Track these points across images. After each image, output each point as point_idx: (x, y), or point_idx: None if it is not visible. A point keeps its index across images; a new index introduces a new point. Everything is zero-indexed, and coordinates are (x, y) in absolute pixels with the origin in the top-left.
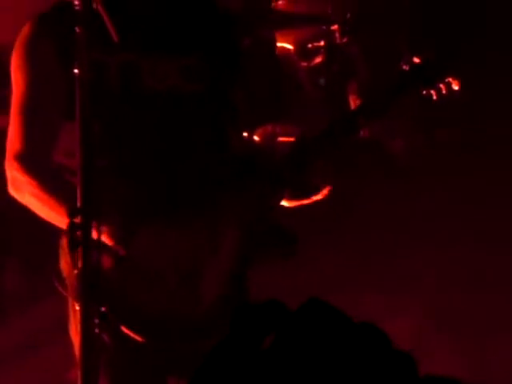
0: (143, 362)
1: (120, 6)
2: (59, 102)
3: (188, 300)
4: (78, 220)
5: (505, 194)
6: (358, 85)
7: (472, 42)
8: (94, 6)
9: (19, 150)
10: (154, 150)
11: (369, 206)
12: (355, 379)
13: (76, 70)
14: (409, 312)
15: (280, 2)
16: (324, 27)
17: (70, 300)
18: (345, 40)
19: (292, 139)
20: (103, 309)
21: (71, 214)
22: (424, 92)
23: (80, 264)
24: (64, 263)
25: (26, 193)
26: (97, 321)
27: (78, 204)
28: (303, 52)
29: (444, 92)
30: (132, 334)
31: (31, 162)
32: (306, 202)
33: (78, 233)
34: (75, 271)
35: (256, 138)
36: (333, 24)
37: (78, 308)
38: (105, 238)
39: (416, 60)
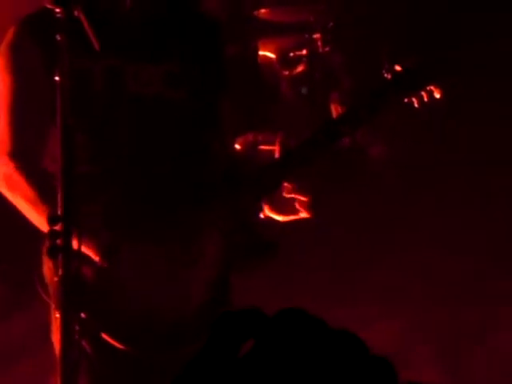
0: (124, 370)
1: (103, 12)
2: (45, 105)
3: (170, 308)
4: (58, 227)
5: (491, 202)
6: (340, 94)
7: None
8: (76, 13)
9: (11, 148)
10: (136, 155)
11: (351, 212)
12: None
13: (57, 78)
14: (390, 323)
15: (262, 11)
16: (306, 36)
17: (53, 306)
18: (327, 49)
19: (273, 148)
20: (83, 315)
21: (51, 221)
22: (406, 100)
23: (60, 271)
24: (47, 269)
25: (18, 192)
26: (77, 328)
27: (59, 211)
28: (285, 61)
29: (426, 100)
30: (113, 342)
31: (24, 160)
32: (292, 217)
33: (59, 240)
34: (55, 278)
35: (237, 146)
36: (315, 33)
37: (57, 315)
38: (86, 248)
39: (398, 68)
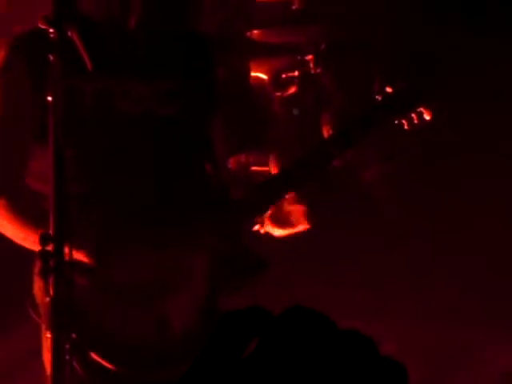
0: None
1: (94, 32)
2: (29, 124)
3: (158, 329)
4: (49, 247)
5: (485, 214)
6: (332, 115)
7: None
8: (69, 34)
9: None
10: (126, 173)
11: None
12: None
13: (49, 98)
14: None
15: (255, 32)
16: (298, 57)
17: (43, 326)
18: (319, 70)
19: (265, 169)
20: (73, 336)
21: (43, 241)
22: (396, 121)
23: (52, 292)
24: (37, 289)
25: (1, 216)
26: (67, 347)
27: (50, 231)
28: (277, 82)
29: (416, 122)
30: (102, 362)
31: (3, 183)
32: (292, 230)
33: (51, 261)
34: (47, 299)
35: (230, 166)
36: (307, 54)
37: (48, 335)
38: (80, 257)
39: (388, 90)
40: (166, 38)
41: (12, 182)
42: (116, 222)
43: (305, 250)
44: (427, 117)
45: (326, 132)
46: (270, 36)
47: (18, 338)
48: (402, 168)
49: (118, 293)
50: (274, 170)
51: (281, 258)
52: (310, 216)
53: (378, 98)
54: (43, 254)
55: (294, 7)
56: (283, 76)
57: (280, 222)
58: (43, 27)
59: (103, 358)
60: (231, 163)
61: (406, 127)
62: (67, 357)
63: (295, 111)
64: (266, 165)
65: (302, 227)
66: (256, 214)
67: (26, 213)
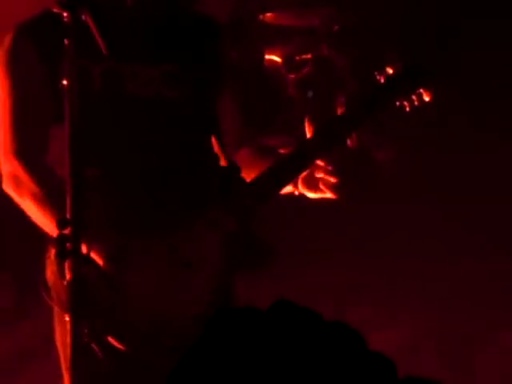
0: (127, 370)
1: (103, 15)
2: (45, 105)
3: (172, 312)
4: (67, 231)
5: (491, 203)
6: (346, 97)
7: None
8: (83, 17)
9: (14, 147)
10: (134, 154)
11: (359, 215)
12: (331, 378)
13: (64, 82)
14: (396, 324)
15: (268, 15)
16: (312, 40)
17: (56, 309)
18: (332, 52)
19: (280, 150)
20: (90, 318)
21: (61, 224)
22: (398, 103)
23: (68, 276)
24: (50, 273)
25: (25, 191)
26: (86, 331)
27: (67, 215)
28: (291, 65)
29: (416, 103)
30: (117, 344)
31: (28, 157)
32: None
33: (67, 244)
34: (64, 282)
35: (243, 152)
36: (320, 37)
37: (67, 319)
38: (95, 255)
39: (390, 71)
40: (174, 20)
41: (36, 156)
42: (129, 202)
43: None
44: (427, 98)
45: (341, 113)
46: (283, 18)
47: (34, 324)
48: (413, 152)
49: (131, 278)
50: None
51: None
52: (337, 187)
53: (381, 79)
54: (60, 238)
55: None
56: (297, 58)
57: (311, 186)
58: (57, 11)
59: (118, 340)
60: (246, 145)
61: (407, 109)
62: (85, 339)
63: (309, 93)
64: (281, 146)
65: (329, 195)
66: (268, 195)
67: (50, 188)
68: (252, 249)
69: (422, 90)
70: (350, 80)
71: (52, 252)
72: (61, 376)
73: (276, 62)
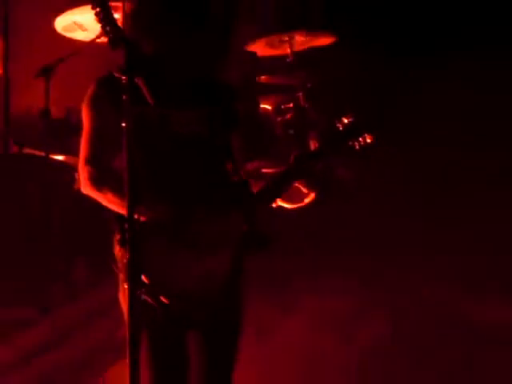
0: (172, 320)
1: (155, 73)
2: (112, 133)
3: (205, 280)
4: (126, 224)
5: (453, 207)
6: (316, 134)
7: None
8: (136, 80)
9: (91, 157)
10: (180, 170)
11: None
12: None
13: (123, 124)
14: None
15: (262, 77)
16: (293, 94)
17: (121, 276)
18: (307, 103)
19: (271, 171)
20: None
21: (120, 221)
22: (350, 143)
23: (128, 255)
24: (117, 251)
25: (105, 185)
26: (142, 291)
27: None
28: (278, 111)
29: (362, 144)
30: (166, 301)
31: (100, 165)
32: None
33: (126, 235)
34: (125, 260)
35: (247, 169)
36: (298, 92)
37: (126, 286)
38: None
39: (345, 121)
40: (205, 80)
41: (106, 165)
42: (177, 202)
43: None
44: (368, 140)
45: (313, 145)
46: (273, 79)
47: (104, 292)
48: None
49: (180, 253)
50: (277, 171)
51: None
52: (307, 196)
53: (339, 127)
54: (122, 230)
55: (288, 60)
56: (282, 107)
57: (287, 199)
58: (117, 75)
59: (167, 298)
60: (248, 167)
61: (356, 147)
62: (144, 297)
63: (291, 131)
64: (272, 168)
65: (301, 204)
66: (270, 201)
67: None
68: (254, 240)
69: (366, 135)
70: (319, 122)
71: (117, 236)
72: (120, 327)
73: (268, 109)
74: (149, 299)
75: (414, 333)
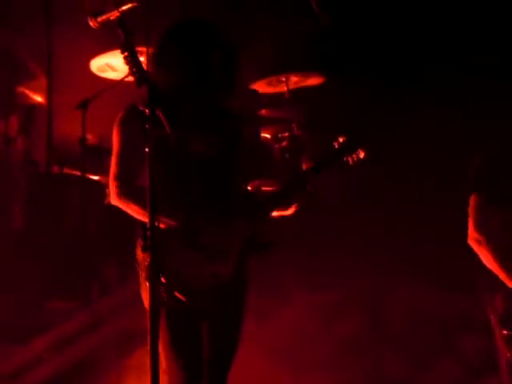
0: (187, 313)
1: (173, 104)
2: (138, 154)
3: (215, 276)
4: (148, 232)
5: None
6: (308, 158)
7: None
8: (156, 112)
9: (117, 174)
10: (196, 185)
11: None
12: None
13: (146, 149)
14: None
15: (263, 111)
16: (288, 124)
17: (142, 275)
18: (300, 132)
19: (270, 189)
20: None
21: (143, 229)
22: (344, 159)
23: (148, 259)
24: (139, 254)
25: (129, 198)
26: (161, 288)
27: (148, 223)
28: (276, 139)
29: (355, 159)
30: (180, 297)
31: (127, 181)
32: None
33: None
34: (146, 262)
35: (250, 187)
36: (293, 123)
37: (147, 284)
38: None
39: (340, 140)
40: (213, 109)
41: (131, 180)
42: (194, 210)
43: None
44: (361, 155)
45: (305, 166)
46: (271, 113)
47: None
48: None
49: (192, 256)
50: (276, 189)
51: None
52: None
53: (335, 145)
54: (144, 237)
55: (286, 96)
56: (279, 135)
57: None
58: (141, 108)
59: (181, 294)
60: (250, 185)
61: (350, 163)
62: (162, 294)
63: (286, 155)
64: (271, 186)
65: (285, 213)
66: (270, 211)
67: (139, 201)
68: (258, 242)
69: (359, 151)
70: (310, 147)
71: (140, 242)
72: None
73: (267, 137)
74: (166, 296)
75: (385, 323)
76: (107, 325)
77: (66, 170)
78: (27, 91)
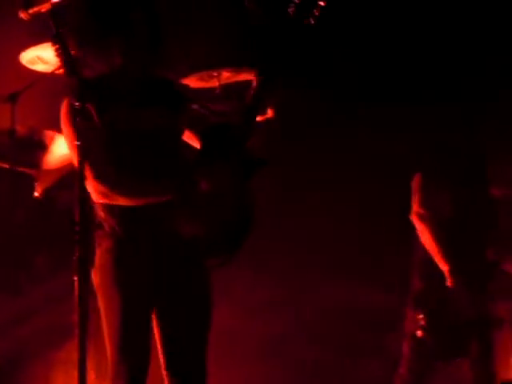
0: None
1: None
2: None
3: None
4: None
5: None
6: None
7: None
8: (87, 105)
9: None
10: (143, 157)
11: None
12: None
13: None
14: None
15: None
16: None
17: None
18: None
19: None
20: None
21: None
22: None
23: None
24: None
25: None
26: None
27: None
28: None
29: (317, 14)
30: None
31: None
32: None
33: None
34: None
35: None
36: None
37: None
38: None
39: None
40: (147, 84)
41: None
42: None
43: None
44: (322, 3)
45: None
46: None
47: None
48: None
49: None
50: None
51: None
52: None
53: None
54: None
55: (216, 91)
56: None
57: None
58: (72, 102)
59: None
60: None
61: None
62: None
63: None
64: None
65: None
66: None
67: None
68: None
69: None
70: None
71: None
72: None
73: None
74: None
75: (312, 320)
76: (36, 316)
77: None
78: None
